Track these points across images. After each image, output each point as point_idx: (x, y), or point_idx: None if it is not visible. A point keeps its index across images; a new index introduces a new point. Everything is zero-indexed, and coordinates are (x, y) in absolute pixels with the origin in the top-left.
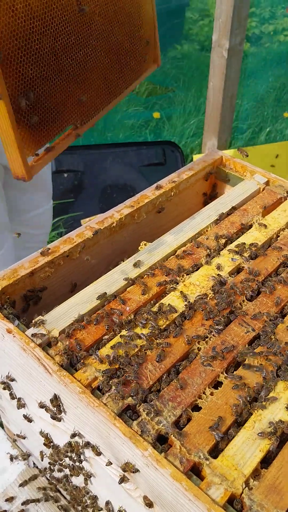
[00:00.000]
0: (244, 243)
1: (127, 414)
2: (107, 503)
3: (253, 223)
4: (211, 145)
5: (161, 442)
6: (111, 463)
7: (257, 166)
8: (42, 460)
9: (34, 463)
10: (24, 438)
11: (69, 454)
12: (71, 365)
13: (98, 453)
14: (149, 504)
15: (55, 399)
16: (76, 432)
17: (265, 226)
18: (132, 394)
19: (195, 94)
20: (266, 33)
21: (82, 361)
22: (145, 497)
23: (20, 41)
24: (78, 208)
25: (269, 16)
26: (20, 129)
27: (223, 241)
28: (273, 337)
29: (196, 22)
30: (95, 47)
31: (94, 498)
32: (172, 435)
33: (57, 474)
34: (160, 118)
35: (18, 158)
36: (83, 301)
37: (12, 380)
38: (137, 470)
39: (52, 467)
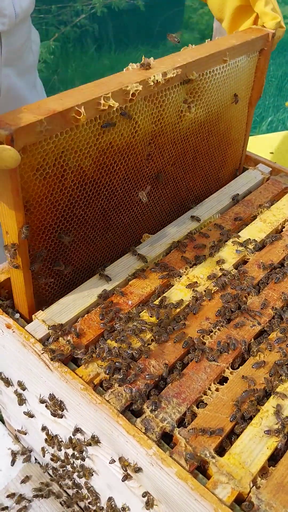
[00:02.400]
0: (249, 235)
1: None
2: (109, 499)
3: (258, 213)
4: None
5: (165, 439)
6: (115, 461)
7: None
8: (43, 456)
9: (36, 459)
10: (25, 433)
11: (71, 451)
12: (72, 360)
13: (97, 441)
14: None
15: (51, 398)
16: (78, 428)
17: (270, 217)
18: (135, 391)
19: None
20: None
21: (84, 356)
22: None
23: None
24: None
25: None
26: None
27: (227, 232)
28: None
29: (196, 11)
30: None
31: (97, 495)
32: (177, 433)
33: (60, 471)
34: None
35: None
36: (83, 295)
37: (24, 389)
38: (140, 469)
39: (54, 464)
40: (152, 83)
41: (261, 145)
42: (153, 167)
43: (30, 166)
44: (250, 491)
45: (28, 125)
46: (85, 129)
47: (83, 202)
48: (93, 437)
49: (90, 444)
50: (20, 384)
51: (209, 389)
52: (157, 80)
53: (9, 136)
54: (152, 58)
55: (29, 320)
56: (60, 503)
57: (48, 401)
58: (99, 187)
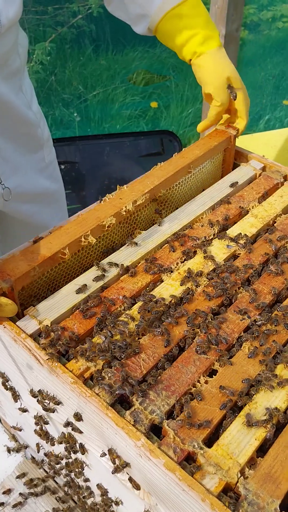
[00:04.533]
0: (240, 231)
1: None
2: (103, 493)
3: (249, 209)
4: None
5: (155, 432)
6: (105, 454)
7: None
8: (38, 452)
9: (31, 455)
10: (20, 430)
11: (63, 445)
12: (63, 355)
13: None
14: (137, 487)
15: (42, 392)
16: (69, 422)
17: (262, 212)
18: (124, 384)
19: (192, 83)
20: (265, 20)
21: (74, 351)
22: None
23: None
24: (75, 200)
25: (268, 3)
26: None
27: (218, 228)
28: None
29: None
30: None
31: (90, 490)
32: (165, 425)
33: (55, 466)
34: (157, 108)
35: None
36: (75, 291)
37: (17, 384)
38: (128, 465)
39: (49, 460)
40: (124, 213)
41: (258, 143)
42: None
43: (27, 295)
44: (237, 481)
45: (24, 274)
46: (70, 260)
47: None
48: (76, 414)
49: (73, 428)
50: (8, 379)
51: (198, 381)
52: (128, 210)
53: (9, 288)
54: (125, 187)
55: (20, 316)
56: (56, 499)
57: (40, 395)
58: None
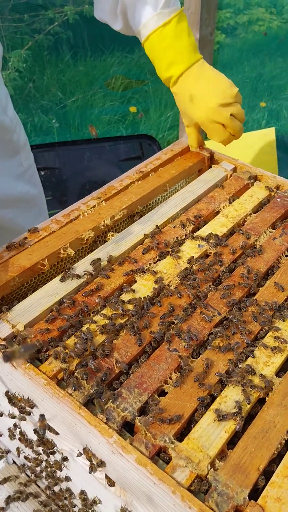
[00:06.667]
0: (211, 230)
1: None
2: (82, 492)
3: (220, 209)
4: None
5: (128, 429)
6: (81, 454)
7: (233, 156)
8: (19, 456)
9: (13, 460)
10: (0, 435)
11: (41, 447)
12: (37, 357)
13: (55, 433)
14: (112, 484)
15: (15, 395)
16: (45, 423)
17: (232, 212)
18: (96, 384)
19: None
20: (241, 24)
21: (47, 353)
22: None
23: None
24: (56, 206)
25: (244, 7)
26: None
27: (190, 228)
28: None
29: None
30: None
31: (70, 490)
32: (137, 421)
33: (35, 469)
34: (136, 112)
35: None
36: (48, 294)
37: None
38: (103, 463)
39: (29, 463)
40: (102, 227)
41: (235, 144)
42: None
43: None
44: (208, 473)
45: (4, 284)
46: (49, 271)
47: None
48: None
49: (48, 430)
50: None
51: (170, 378)
52: (107, 224)
53: None
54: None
55: None
56: (38, 502)
57: (14, 398)
58: None
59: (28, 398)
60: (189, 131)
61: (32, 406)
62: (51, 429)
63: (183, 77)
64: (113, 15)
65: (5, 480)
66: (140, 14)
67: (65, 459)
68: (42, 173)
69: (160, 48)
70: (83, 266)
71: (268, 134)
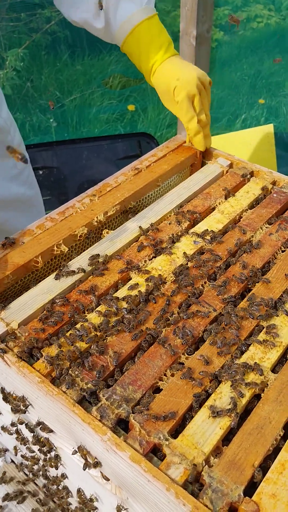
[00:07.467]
0: (207, 227)
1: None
2: (78, 491)
3: (216, 205)
4: (185, 135)
5: (123, 426)
6: (76, 452)
7: (232, 152)
8: (16, 455)
9: (11, 459)
10: None
11: (36, 445)
12: (31, 355)
13: (50, 431)
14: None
15: (9, 393)
16: (41, 422)
17: (228, 208)
18: (91, 381)
19: None
20: (240, 20)
21: (41, 351)
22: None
23: None
24: (54, 205)
25: (242, 4)
26: None
27: (185, 224)
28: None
29: (169, 13)
30: None
31: (67, 489)
32: (132, 418)
33: (33, 468)
34: (135, 110)
35: None
36: (43, 291)
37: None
38: (99, 463)
39: (27, 462)
40: (96, 223)
41: (235, 141)
42: None
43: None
44: (202, 470)
45: None
46: (43, 268)
47: None
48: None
49: (44, 428)
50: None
51: (165, 374)
52: (100, 220)
53: None
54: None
55: None
56: (37, 501)
57: (9, 396)
58: None
59: (22, 396)
60: (176, 109)
61: (26, 405)
62: (45, 427)
63: (165, 62)
64: (96, 14)
65: (1, 479)
66: (124, 10)
67: (57, 456)
68: (41, 172)
69: (149, 36)
70: (77, 263)
71: (266, 131)
